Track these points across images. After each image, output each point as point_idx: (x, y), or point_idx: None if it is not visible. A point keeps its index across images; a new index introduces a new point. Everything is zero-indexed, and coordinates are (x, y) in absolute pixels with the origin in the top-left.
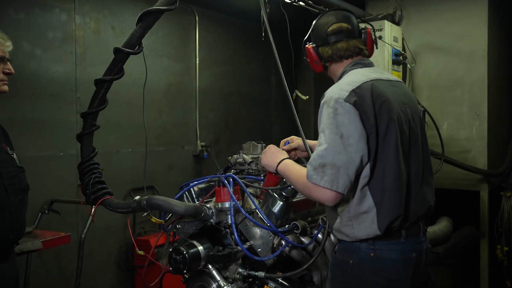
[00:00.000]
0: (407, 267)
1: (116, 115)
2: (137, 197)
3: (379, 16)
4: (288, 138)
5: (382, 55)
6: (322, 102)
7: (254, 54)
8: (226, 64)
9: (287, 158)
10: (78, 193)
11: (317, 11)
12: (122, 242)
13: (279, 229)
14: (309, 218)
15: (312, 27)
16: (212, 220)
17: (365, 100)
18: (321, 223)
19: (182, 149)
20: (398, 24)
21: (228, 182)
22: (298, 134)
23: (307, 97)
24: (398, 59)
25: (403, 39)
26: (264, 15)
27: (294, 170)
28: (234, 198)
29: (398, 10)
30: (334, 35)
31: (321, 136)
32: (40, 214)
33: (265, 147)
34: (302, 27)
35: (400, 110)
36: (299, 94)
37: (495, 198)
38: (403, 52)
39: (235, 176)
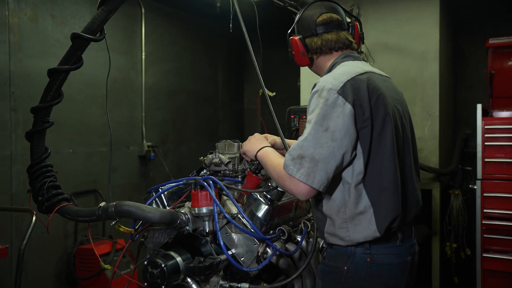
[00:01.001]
0: (403, 271)
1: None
2: (103, 203)
3: None
4: (263, 135)
5: None
6: (313, 91)
7: (201, 50)
8: (173, 61)
9: (269, 146)
10: (28, 199)
11: (281, 4)
12: (62, 253)
13: (267, 236)
14: (291, 223)
15: (297, 18)
16: (188, 228)
17: (361, 92)
18: (303, 228)
19: (127, 150)
20: None
21: (208, 185)
22: (245, 134)
23: (274, 93)
24: None
25: None
26: (237, 8)
27: (273, 158)
28: (218, 202)
29: (356, 8)
30: (323, 26)
31: (307, 126)
32: None
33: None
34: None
35: (393, 105)
36: (266, 91)
37: (445, 196)
38: (362, 51)
39: (215, 178)
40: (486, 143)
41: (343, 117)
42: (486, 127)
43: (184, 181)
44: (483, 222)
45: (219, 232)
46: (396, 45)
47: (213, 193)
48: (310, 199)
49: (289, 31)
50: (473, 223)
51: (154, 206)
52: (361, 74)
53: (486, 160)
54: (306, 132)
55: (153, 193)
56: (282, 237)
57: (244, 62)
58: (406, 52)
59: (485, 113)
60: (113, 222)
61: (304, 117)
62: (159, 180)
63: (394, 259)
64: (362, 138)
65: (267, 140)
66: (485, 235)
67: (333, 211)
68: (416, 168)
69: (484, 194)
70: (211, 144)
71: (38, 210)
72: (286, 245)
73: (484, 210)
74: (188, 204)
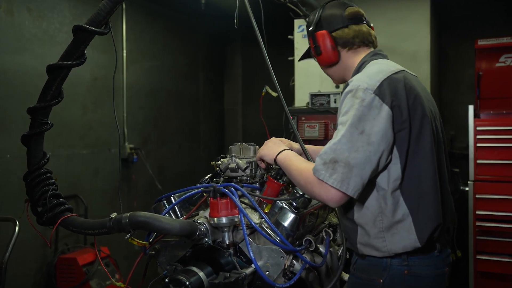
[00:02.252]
0: (441, 283)
1: None
2: (114, 214)
3: None
4: (279, 139)
5: None
6: (346, 90)
7: (182, 48)
8: (154, 59)
9: (288, 149)
10: (26, 210)
11: (282, 0)
12: (41, 262)
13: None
14: (313, 232)
15: (319, 15)
16: (206, 239)
17: (398, 92)
18: (326, 237)
19: (109, 152)
20: None
21: (231, 192)
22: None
23: (277, 94)
24: None
25: None
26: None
27: (297, 162)
28: (244, 211)
29: None
30: (353, 18)
31: (339, 128)
32: None
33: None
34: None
35: (428, 106)
36: (269, 91)
37: None
38: None
39: (237, 186)
40: (478, 145)
41: (380, 120)
42: (478, 128)
43: (202, 188)
44: (476, 224)
45: (249, 246)
46: (387, 45)
47: (238, 202)
48: (337, 207)
49: (310, 28)
50: (463, 225)
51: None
52: (397, 72)
53: (478, 161)
54: (339, 134)
55: (164, 201)
56: (309, 248)
57: (225, 61)
58: (397, 52)
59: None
60: (127, 236)
61: (304, 118)
62: (142, 184)
63: (432, 271)
64: (400, 142)
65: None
66: (478, 237)
67: (367, 219)
68: (449, 173)
69: (477, 196)
70: (192, 145)
71: (37, 222)
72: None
73: (477, 212)
74: (203, 213)
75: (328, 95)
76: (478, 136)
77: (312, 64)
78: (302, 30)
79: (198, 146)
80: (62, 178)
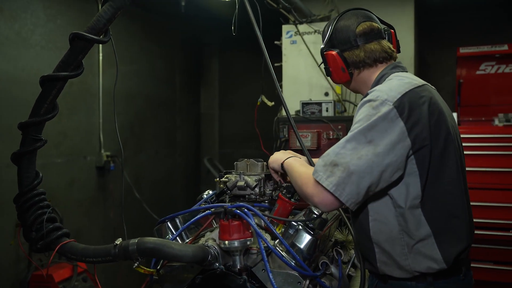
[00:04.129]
0: None
1: (7, 119)
2: (119, 240)
3: (318, 17)
4: (287, 152)
5: None
6: (365, 99)
7: (158, 52)
8: (131, 62)
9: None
10: (17, 236)
11: (275, 5)
12: (13, 280)
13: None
14: (325, 252)
15: (331, 30)
16: (217, 264)
17: (420, 108)
18: (337, 257)
19: (84, 160)
20: None
21: (245, 214)
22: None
23: (273, 103)
24: None
25: None
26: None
27: (302, 167)
28: (262, 234)
29: (335, 12)
30: (364, 36)
31: (348, 134)
32: None
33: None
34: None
35: (451, 123)
36: (265, 100)
37: None
38: None
39: (250, 207)
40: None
41: (391, 133)
42: (463, 136)
43: (213, 209)
44: None
45: (270, 273)
46: None
47: (255, 225)
48: (352, 224)
49: (322, 46)
50: None
51: (169, 236)
52: (419, 86)
53: None
54: (345, 139)
55: (168, 223)
56: (327, 272)
57: (201, 64)
58: None
59: None
60: (136, 264)
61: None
62: (118, 193)
63: None
64: (420, 159)
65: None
66: None
67: (386, 236)
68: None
69: None
70: (169, 151)
71: (31, 249)
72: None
73: None
74: (210, 234)
75: (320, 104)
76: (463, 144)
77: (300, 71)
78: (290, 36)
79: (174, 152)
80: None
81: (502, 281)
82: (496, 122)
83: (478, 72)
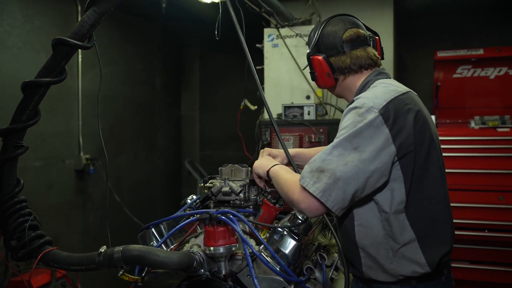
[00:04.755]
0: None
1: None
2: (103, 248)
3: (300, 21)
4: (267, 150)
5: None
6: (350, 106)
7: (138, 53)
8: (110, 64)
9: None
10: None
11: (257, 9)
12: None
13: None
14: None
15: (317, 35)
16: (202, 271)
17: (404, 115)
18: (321, 261)
19: (63, 164)
20: None
21: (231, 220)
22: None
23: (256, 107)
24: None
25: None
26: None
27: (287, 173)
28: (247, 241)
29: (316, 16)
30: (350, 42)
31: (335, 140)
32: None
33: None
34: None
35: (434, 129)
36: (248, 104)
37: None
38: None
39: (235, 213)
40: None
41: (377, 139)
42: (440, 138)
43: (198, 216)
44: None
45: (255, 279)
46: None
47: (241, 232)
48: (337, 229)
49: (308, 51)
50: None
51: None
52: (404, 94)
53: None
54: (331, 145)
55: (152, 229)
56: (311, 277)
57: (182, 66)
58: None
59: None
60: (121, 272)
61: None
62: (98, 196)
63: None
64: (405, 165)
65: (270, 154)
66: None
67: (371, 241)
68: None
69: None
70: (149, 153)
71: (11, 258)
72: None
73: None
74: (195, 240)
75: (302, 107)
76: (442, 146)
77: (282, 74)
78: (272, 39)
79: (154, 154)
80: None
81: (478, 280)
82: (472, 124)
83: (455, 76)
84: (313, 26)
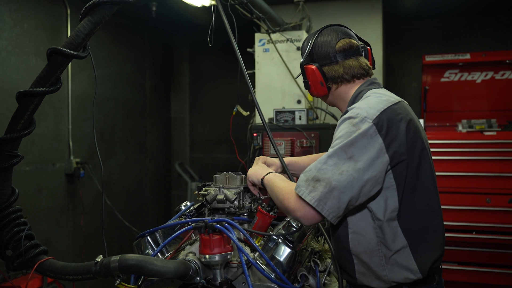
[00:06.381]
0: None
1: None
2: (100, 257)
3: (290, 25)
4: (262, 158)
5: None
6: (344, 116)
7: (127, 55)
8: (100, 67)
9: (274, 172)
10: None
11: (249, 16)
12: None
13: (296, 285)
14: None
15: (311, 45)
16: (198, 279)
17: (397, 125)
18: (314, 267)
19: (53, 167)
20: None
21: (226, 229)
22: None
23: (248, 113)
24: None
25: None
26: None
27: (283, 182)
28: (243, 249)
29: (307, 21)
30: (343, 52)
31: (329, 150)
32: None
33: (244, 178)
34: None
35: (425, 137)
36: (240, 110)
37: None
38: None
39: (231, 221)
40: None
41: (371, 149)
42: (428, 141)
43: (194, 224)
44: None
45: (249, 281)
46: None
47: (237, 241)
48: (331, 236)
49: (301, 60)
50: None
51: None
52: (396, 103)
53: None
54: (326, 155)
55: (148, 237)
56: (306, 284)
57: (171, 68)
58: None
59: None
60: (117, 282)
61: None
62: (88, 200)
63: None
64: (397, 174)
65: (266, 162)
66: None
67: (364, 248)
68: None
69: None
70: (139, 156)
71: (6, 268)
72: None
73: None
74: (189, 248)
75: (293, 112)
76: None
77: (273, 79)
78: (263, 44)
79: (145, 157)
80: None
81: (466, 281)
82: (460, 128)
83: (442, 79)
84: (303, 31)
